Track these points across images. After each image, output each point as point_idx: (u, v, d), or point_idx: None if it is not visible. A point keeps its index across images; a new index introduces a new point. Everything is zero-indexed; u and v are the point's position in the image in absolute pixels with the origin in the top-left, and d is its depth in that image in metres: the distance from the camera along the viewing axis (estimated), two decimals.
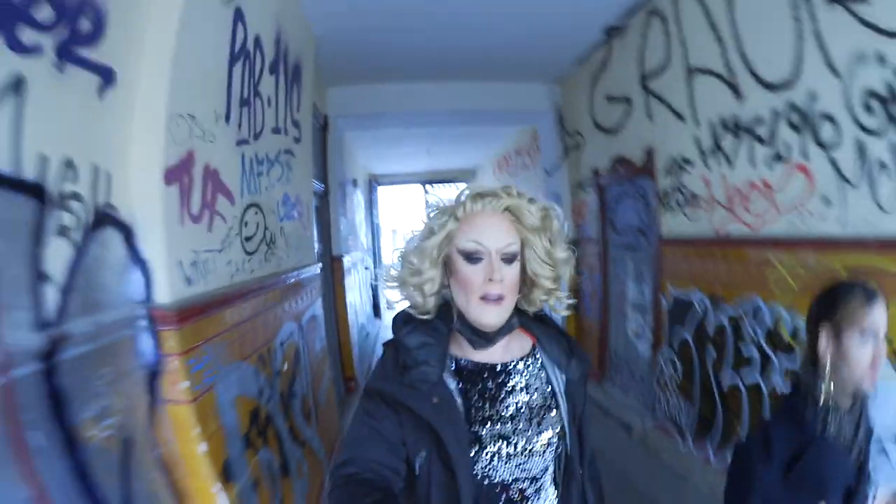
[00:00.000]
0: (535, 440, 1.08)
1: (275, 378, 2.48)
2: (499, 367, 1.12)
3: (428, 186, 11.87)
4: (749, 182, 2.90)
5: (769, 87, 2.70)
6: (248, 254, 2.33)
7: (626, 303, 4.72)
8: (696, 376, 3.49)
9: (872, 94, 2.10)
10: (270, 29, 2.70)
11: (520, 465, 1.07)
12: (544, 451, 1.09)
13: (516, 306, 1.11)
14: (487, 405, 1.08)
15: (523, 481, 1.08)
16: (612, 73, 4.50)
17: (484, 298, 1.03)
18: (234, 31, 2.17)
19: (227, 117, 2.12)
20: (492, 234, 1.04)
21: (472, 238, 1.04)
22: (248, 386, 2.13)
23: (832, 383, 1.21)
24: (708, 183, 3.27)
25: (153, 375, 1.57)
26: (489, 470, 1.05)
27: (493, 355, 1.12)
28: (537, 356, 1.16)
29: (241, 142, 2.31)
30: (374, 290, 9.80)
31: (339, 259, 5.50)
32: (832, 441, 1.20)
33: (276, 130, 2.89)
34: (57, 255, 1.25)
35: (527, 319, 1.17)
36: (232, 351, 2.00)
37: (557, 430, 1.11)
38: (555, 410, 1.12)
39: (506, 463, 1.05)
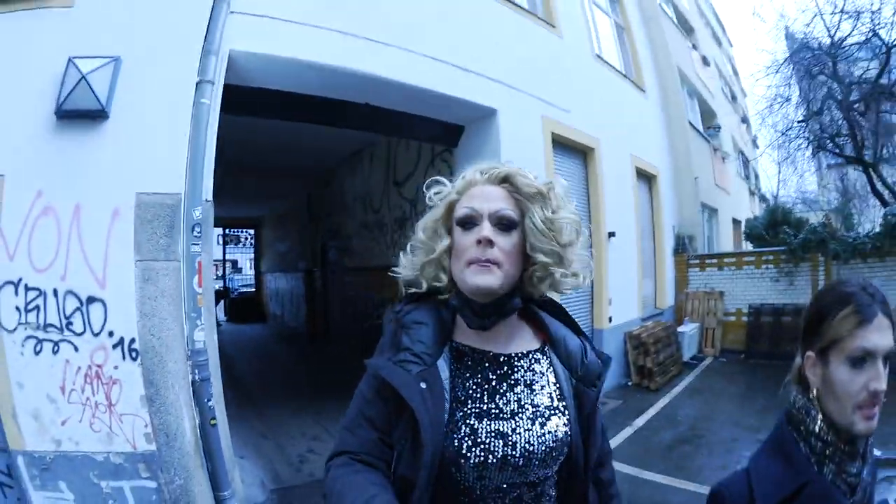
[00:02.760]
0: (536, 442, 1.14)
1: None
2: (502, 358, 1.22)
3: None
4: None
5: (376, 210, 8.87)
6: None
7: None
8: None
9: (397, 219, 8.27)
10: None
11: (518, 468, 1.13)
12: (545, 457, 1.16)
13: (524, 294, 1.23)
14: (486, 397, 1.17)
15: (520, 486, 1.16)
16: (333, 189, 10.62)
17: (474, 262, 1.14)
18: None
19: None
20: (485, 199, 1.18)
21: (466, 205, 1.19)
22: None
23: (824, 417, 1.15)
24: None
25: None
26: (483, 469, 1.12)
27: (497, 344, 1.23)
28: (547, 353, 1.27)
29: None
30: None
31: None
32: (831, 484, 1.13)
33: None
34: None
35: (539, 313, 1.30)
36: None
37: (562, 436, 1.18)
38: (561, 414, 1.20)
39: (501, 464, 1.12)
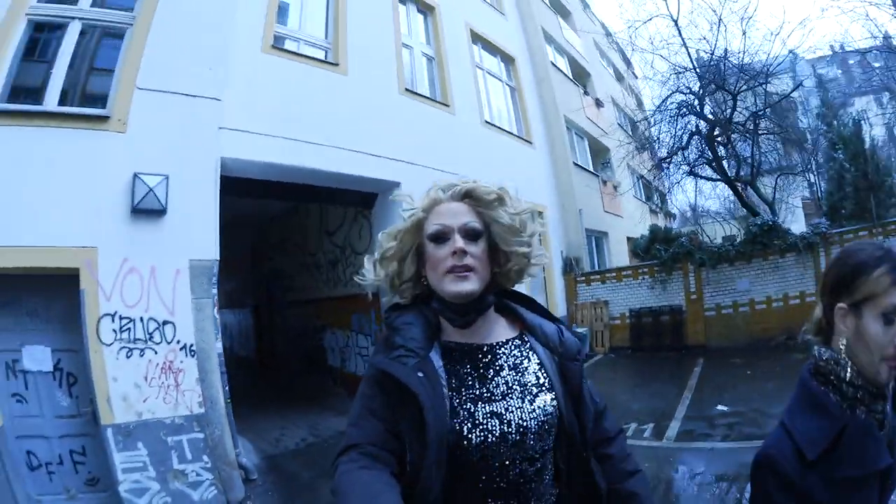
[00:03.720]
0: (528, 418, 1.36)
1: None
2: (485, 348, 1.45)
3: None
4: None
5: (312, 254, 11.39)
6: None
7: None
8: None
9: (330, 261, 10.78)
10: None
11: (516, 444, 1.34)
12: (540, 430, 1.38)
13: (498, 288, 1.52)
14: (478, 384, 1.39)
15: (522, 462, 1.35)
16: (273, 237, 13.03)
17: (452, 272, 1.37)
18: None
19: None
20: (452, 215, 1.43)
21: (435, 222, 1.42)
22: None
23: (854, 366, 1.30)
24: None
25: None
26: (485, 449, 1.31)
27: (479, 337, 1.47)
28: (526, 339, 1.52)
29: None
30: None
31: None
32: (867, 424, 1.29)
33: None
34: None
35: (513, 306, 1.56)
36: None
37: (551, 410, 1.40)
38: (547, 390, 1.43)
39: (501, 442, 1.33)
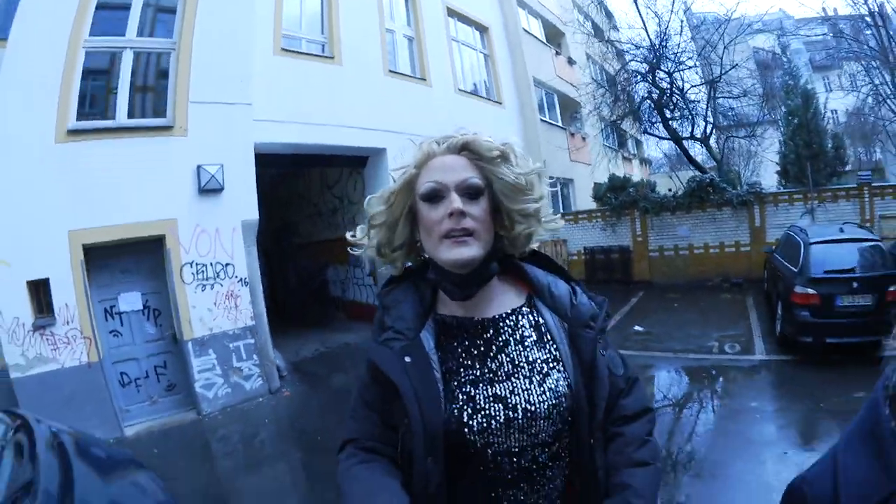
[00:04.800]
0: (537, 400, 1.21)
1: None
2: (486, 322, 1.30)
3: None
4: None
5: (314, 204, 14.01)
6: None
7: None
8: None
9: (330, 210, 13.37)
10: None
11: (524, 430, 1.20)
12: (552, 413, 1.22)
13: (503, 252, 1.33)
14: (477, 363, 1.26)
15: (534, 448, 1.23)
16: (281, 190, 15.64)
17: (448, 236, 1.20)
18: None
19: None
20: (448, 170, 1.23)
21: (429, 179, 1.23)
22: None
23: None
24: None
25: None
26: (489, 436, 1.20)
27: (480, 309, 1.31)
28: (534, 305, 1.34)
29: None
30: None
31: None
32: None
33: None
34: None
35: (521, 265, 1.36)
36: None
37: (564, 389, 1.24)
38: (560, 364, 1.26)
39: (507, 428, 1.20)
